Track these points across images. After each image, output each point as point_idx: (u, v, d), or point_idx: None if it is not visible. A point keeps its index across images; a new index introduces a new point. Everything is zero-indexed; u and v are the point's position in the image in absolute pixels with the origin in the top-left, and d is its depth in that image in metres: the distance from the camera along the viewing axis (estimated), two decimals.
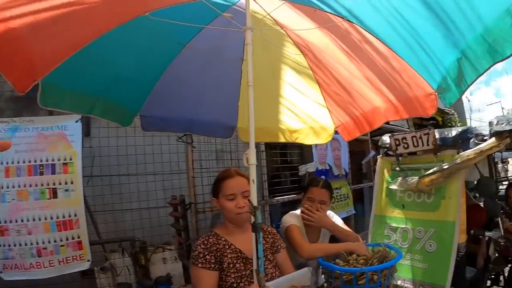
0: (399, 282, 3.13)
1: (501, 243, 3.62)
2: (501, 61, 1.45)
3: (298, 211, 2.41)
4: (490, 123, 2.98)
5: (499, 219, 3.66)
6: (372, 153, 6.10)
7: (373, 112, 2.40)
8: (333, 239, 2.49)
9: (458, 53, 1.59)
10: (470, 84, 1.63)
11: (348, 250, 2.06)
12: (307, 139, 2.77)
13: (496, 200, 3.77)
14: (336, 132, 2.77)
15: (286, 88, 2.57)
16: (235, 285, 1.68)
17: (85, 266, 2.81)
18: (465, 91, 1.70)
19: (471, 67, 1.57)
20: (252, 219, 1.52)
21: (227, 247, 1.75)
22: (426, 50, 1.72)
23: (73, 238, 2.79)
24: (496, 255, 4.08)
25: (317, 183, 2.41)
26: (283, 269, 1.88)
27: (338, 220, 2.50)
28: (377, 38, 1.80)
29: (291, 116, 2.71)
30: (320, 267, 2.04)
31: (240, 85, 2.46)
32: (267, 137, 2.78)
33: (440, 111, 8.08)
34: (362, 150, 6.77)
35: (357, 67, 2.16)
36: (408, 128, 7.72)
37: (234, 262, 1.72)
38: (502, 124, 2.84)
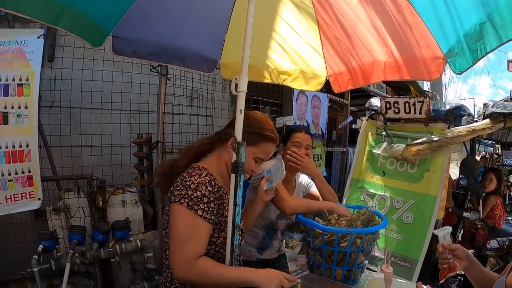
0: (376, 254, 3.19)
1: (478, 226, 3.78)
2: None
3: None
4: (485, 105, 3.05)
5: (480, 201, 3.84)
6: (350, 118, 6.14)
7: (372, 66, 2.28)
8: None
9: (483, 16, 1.49)
10: (489, 52, 1.55)
11: (330, 209, 1.98)
12: (295, 83, 2.64)
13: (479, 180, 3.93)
14: (327, 82, 2.65)
15: (281, 25, 2.39)
16: (217, 248, 1.47)
17: (36, 205, 2.65)
18: (480, 59, 1.61)
19: (495, 33, 1.48)
20: (234, 156, 1.39)
21: (225, 196, 1.49)
22: (450, 8, 1.61)
23: (23, 172, 2.61)
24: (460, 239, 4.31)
25: (300, 129, 2.34)
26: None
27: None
28: None
29: (283, 55, 2.54)
30: (301, 223, 1.95)
31: (231, 15, 2.26)
32: (252, 75, 2.58)
33: (420, 91, 8.18)
34: (333, 117, 6.85)
35: (366, 12, 2.00)
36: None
37: None
38: (499, 107, 2.90)
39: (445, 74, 13.32)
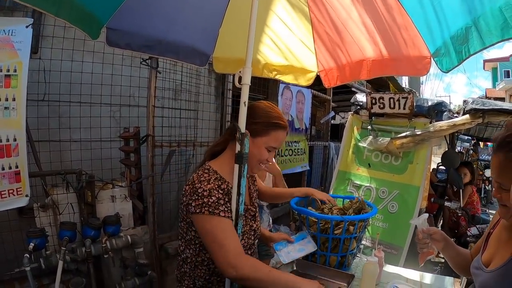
0: (364, 242, 3.35)
1: (459, 214, 4.02)
2: (510, 39, 1.46)
3: None
4: (465, 102, 3.30)
5: (461, 190, 4.07)
6: (332, 113, 6.31)
7: (361, 63, 2.40)
8: None
9: (469, 21, 1.60)
10: (472, 54, 1.67)
11: (308, 194, 2.07)
12: (286, 77, 2.72)
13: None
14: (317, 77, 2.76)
15: (274, 22, 2.48)
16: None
17: (23, 202, 2.59)
18: (464, 60, 1.73)
19: (479, 38, 1.58)
20: (238, 147, 1.47)
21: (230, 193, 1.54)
22: (437, 11, 1.72)
23: (10, 168, 2.54)
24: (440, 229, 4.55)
25: None
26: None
27: None
28: None
29: (274, 50, 2.63)
30: (295, 213, 2.03)
31: (225, 9, 2.32)
32: None
33: (399, 88, 8.44)
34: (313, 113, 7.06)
35: (357, 11, 2.12)
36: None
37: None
38: (478, 104, 3.15)
39: None
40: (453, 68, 1.85)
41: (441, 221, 4.62)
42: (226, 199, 1.46)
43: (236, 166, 1.47)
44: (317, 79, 2.75)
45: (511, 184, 1.07)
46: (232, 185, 1.50)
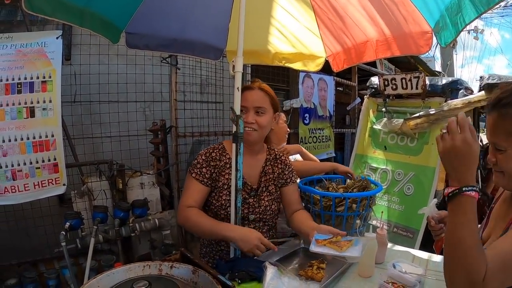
0: (374, 222, 3.35)
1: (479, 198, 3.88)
2: (502, 1, 1.50)
3: None
4: (481, 78, 3.14)
5: (479, 171, 3.91)
6: (358, 100, 6.25)
7: (365, 45, 2.46)
8: None
9: None
10: (468, 24, 1.68)
11: (333, 168, 2.21)
12: (296, 64, 2.81)
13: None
14: (326, 63, 2.82)
15: (279, 12, 2.58)
16: (223, 207, 1.71)
17: (61, 190, 2.81)
18: (461, 30, 1.75)
19: (472, 5, 1.60)
20: (234, 128, 1.61)
21: (228, 166, 1.74)
22: None
23: (49, 160, 2.78)
24: None
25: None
26: (288, 204, 1.90)
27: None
28: None
29: (282, 39, 2.73)
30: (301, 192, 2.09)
31: (232, 6, 2.45)
32: (255, 59, 2.80)
33: (430, 72, 8.18)
34: (347, 102, 6.96)
35: None
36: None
37: (230, 184, 1.69)
38: (494, 79, 3.00)
39: (456, 54, 13.10)
40: (451, 42, 1.87)
41: None
42: (204, 165, 1.72)
43: (233, 145, 1.62)
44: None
45: (505, 143, 1.04)
46: (221, 155, 1.77)
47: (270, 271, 1.38)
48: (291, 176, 1.92)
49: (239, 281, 1.41)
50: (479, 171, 3.99)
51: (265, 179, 1.83)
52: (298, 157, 2.57)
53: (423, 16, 1.96)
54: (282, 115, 2.47)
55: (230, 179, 1.68)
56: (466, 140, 0.94)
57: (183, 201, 1.70)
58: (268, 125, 1.78)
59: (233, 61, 1.67)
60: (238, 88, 1.65)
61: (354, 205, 1.87)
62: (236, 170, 1.62)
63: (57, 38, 2.74)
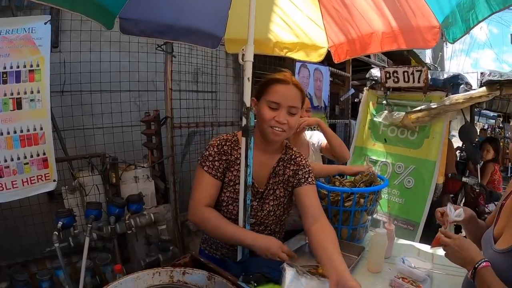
0: (374, 215, 3.35)
1: (476, 190, 3.93)
2: None
3: None
4: (482, 74, 3.18)
5: (478, 167, 3.97)
6: (352, 90, 6.25)
7: (371, 36, 2.38)
8: None
9: None
10: (481, 21, 1.62)
11: (340, 172, 2.12)
12: (297, 55, 2.73)
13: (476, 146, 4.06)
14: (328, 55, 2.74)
15: (282, 0, 2.49)
16: (224, 203, 1.62)
17: (51, 186, 2.70)
18: (472, 28, 1.68)
19: (486, 2, 1.54)
20: (244, 121, 1.51)
21: (238, 161, 1.60)
22: None
23: (38, 155, 2.65)
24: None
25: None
26: (304, 209, 1.59)
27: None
28: None
29: (284, 28, 2.64)
30: None
31: None
32: (255, 48, 2.72)
33: (423, 64, 8.22)
34: (336, 92, 6.92)
35: None
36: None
37: (236, 181, 1.59)
38: (495, 76, 3.03)
39: (447, 47, 13.25)
40: (460, 38, 1.81)
41: (463, 199, 4.54)
42: (216, 158, 1.58)
43: (243, 139, 1.51)
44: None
45: None
46: (232, 148, 1.63)
47: (289, 273, 1.30)
48: (306, 176, 1.66)
49: (255, 284, 1.34)
50: (477, 165, 4.06)
51: (274, 181, 1.67)
52: (321, 137, 2.46)
53: (432, 10, 1.91)
54: None
55: (237, 175, 1.58)
56: (458, 241, 1.22)
57: (199, 198, 1.56)
58: (295, 127, 1.63)
59: (242, 50, 1.57)
60: (248, 78, 1.54)
61: (362, 200, 1.86)
62: (246, 166, 1.51)
63: (45, 23, 2.58)
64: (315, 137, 2.50)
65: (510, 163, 8.41)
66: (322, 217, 1.56)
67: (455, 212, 1.44)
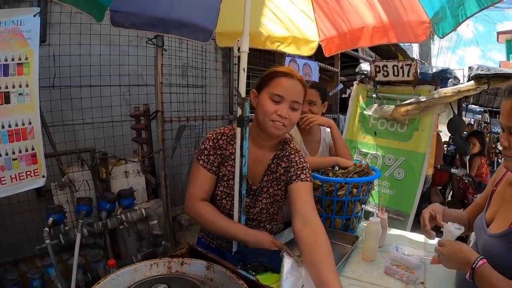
0: (365, 207, 3.39)
1: (465, 181, 4.01)
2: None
3: None
4: (470, 68, 3.25)
5: (466, 159, 4.05)
6: (340, 86, 6.30)
7: (361, 31, 2.41)
8: None
9: None
10: (469, 17, 1.65)
11: (335, 163, 2.12)
12: (289, 48, 2.73)
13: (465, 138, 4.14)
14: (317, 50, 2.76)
15: None
16: (218, 197, 1.63)
17: (41, 182, 2.62)
18: (461, 23, 1.72)
19: None
20: (239, 111, 1.52)
21: (233, 156, 1.58)
22: None
23: (26, 150, 2.58)
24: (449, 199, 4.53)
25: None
26: (294, 206, 1.48)
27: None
28: None
29: (276, 22, 2.64)
30: None
31: None
32: None
33: (409, 58, 8.33)
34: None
35: None
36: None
37: (230, 176, 1.59)
38: (483, 70, 3.10)
39: (433, 44, 13.40)
40: (449, 33, 1.85)
41: (451, 192, 4.62)
42: (212, 152, 1.58)
43: (238, 130, 1.51)
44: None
45: None
46: (227, 143, 1.62)
47: (288, 262, 1.32)
48: (298, 173, 1.56)
49: (253, 273, 1.35)
50: (465, 157, 4.13)
51: (268, 178, 1.64)
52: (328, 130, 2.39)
53: (422, 6, 1.95)
54: None
55: (231, 171, 1.57)
56: (449, 247, 1.23)
57: (194, 192, 1.58)
58: (295, 123, 1.61)
59: (238, 41, 1.57)
60: (244, 69, 1.54)
61: (355, 190, 1.89)
62: (242, 156, 1.51)
63: (34, 15, 2.51)
64: (329, 135, 2.40)
65: (496, 157, 8.53)
66: (314, 219, 1.41)
67: (454, 226, 1.39)
